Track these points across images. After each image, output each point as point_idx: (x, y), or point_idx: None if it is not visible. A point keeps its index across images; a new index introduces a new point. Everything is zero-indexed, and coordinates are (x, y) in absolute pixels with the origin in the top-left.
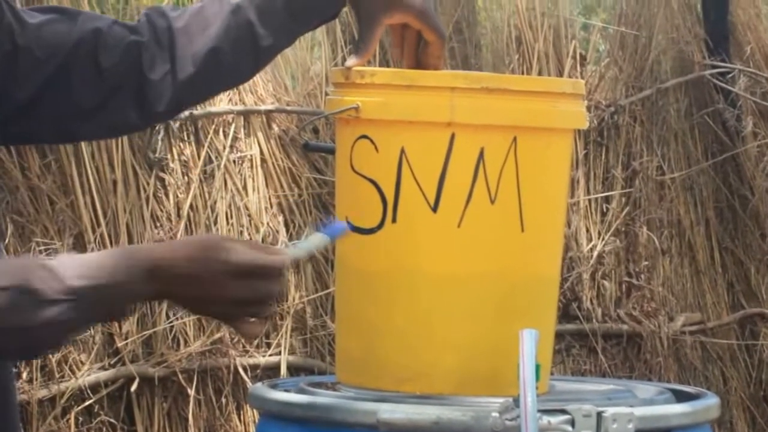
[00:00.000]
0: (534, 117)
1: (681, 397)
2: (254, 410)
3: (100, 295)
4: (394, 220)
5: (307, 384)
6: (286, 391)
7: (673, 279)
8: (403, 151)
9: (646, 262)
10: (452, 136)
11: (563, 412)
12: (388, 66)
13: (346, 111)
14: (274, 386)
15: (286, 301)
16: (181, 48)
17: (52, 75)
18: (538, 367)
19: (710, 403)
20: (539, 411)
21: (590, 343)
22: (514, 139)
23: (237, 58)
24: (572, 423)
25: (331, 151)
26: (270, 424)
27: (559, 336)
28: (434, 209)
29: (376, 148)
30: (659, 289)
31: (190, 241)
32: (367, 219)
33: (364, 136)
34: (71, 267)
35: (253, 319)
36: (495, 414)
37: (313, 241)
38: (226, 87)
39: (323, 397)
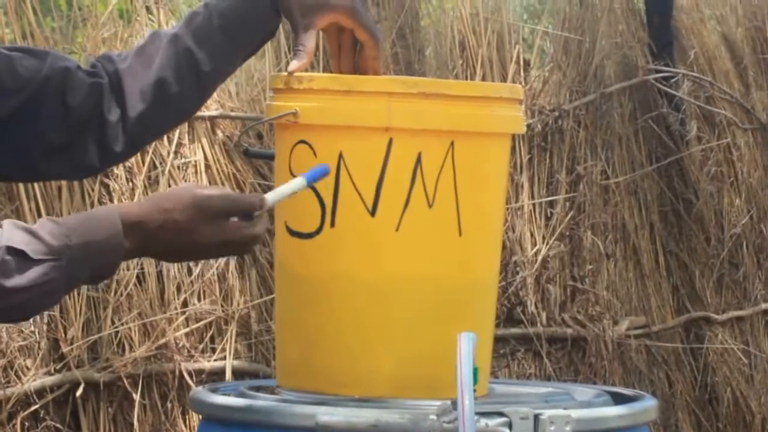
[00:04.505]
0: (471, 122)
1: (619, 399)
2: (198, 415)
3: (80, 253)
4: (332, 225)
5: (247, 388)
6: (227, 395)
7: (618, 283)
8: (341, 156)
9: (591, 266)
10: (390, 141)
11: (501, 414)
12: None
13: (284, 116)
14: (214, 390)
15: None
16: (128, 87)
17: (20, 107)
18: (476, 370)
19: (648, 405)
20: (477, 414)
21: (535, 347)
22: (452, 143)
23: (181, 86)
24: (509, 425)
25: (271, 157)
26: (210, 428)
27: (503, 340)
28: (372, 213)
29: (314, 152)
30: (604, 293)
31: (163, 193)
32: (305, 224)
33: (303, 141)
34: (50, 229)
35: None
36: (433, 417)
37: (291, 185)
38: (176, 119)
39: (263, 401)
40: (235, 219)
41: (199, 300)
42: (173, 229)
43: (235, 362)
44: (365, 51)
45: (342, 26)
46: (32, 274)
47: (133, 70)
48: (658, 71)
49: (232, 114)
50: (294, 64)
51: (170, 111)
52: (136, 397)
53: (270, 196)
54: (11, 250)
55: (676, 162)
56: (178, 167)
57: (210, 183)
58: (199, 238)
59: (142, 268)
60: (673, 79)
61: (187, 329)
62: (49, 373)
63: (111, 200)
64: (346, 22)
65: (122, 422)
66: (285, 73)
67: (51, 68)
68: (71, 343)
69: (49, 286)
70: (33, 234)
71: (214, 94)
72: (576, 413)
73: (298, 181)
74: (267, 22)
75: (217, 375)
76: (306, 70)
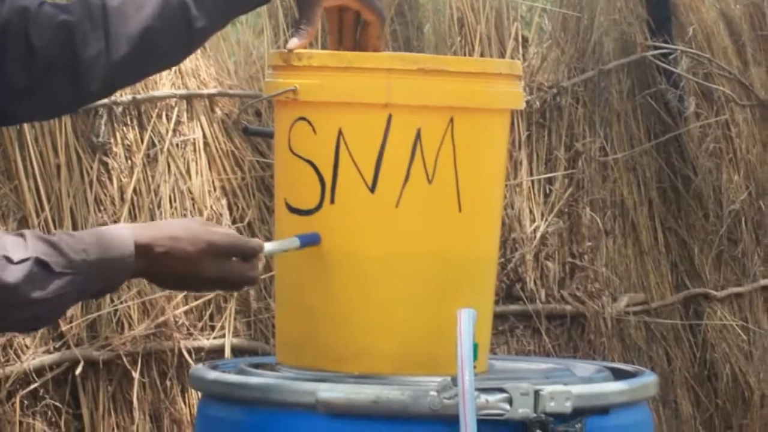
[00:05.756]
0: (470, 98)
1: (619, 375)
2: (197, 392)
3: (95, 269)
4: (332, 201)
5: (247, 365)
6: (226, 372)
7: (617, 259)
8: (340, 133)
9: (590, 243)
10: (389, 117)
11: (501, 390)
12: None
13: (283, 93)
14: (214, 367)
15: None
16: (115, 27)
17: None
18: (476, 347)
19: (648, 380)
20: (477, 389)
21: (534, 323)
22: (451, 119)
23: (170, 39)
24: (510, 401)
25: (270, 135)
26: (211, 405)
27: (502, 317)
28: (372, 190)
29: (313, 129)
30: (603, 270)
31: (173, 222)
32: (305, 200)
33: (302, 118)
34: (71, 243)
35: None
36: (433, 393)
37: (287, 242)
38: (159, 68)
39: (263, 378)
40: (235, 259)
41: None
42: (180, 258)
43: (235, 340)
44: (370, 30)
45: (347, 6)
46: (53, 287)
47: (123, 11)
48: (656, 48)
49: (231, 92)
50: (294, 42)
51: (153, 60)
52: (136, 375)
53: (268, 246)
54: (38, 262)
55: (674, 138)
56: (177, 145)
57: (209, 161)
58: (202, 272)
59: None
60: (672, 56)
61: (186, 307)
62: (48, 352)
63: (110, 179)
64: (354, 4)
65: (121, 400)
66: (284, 50)
67: (10, 10)
68: (70, 322)
69: (62, 300)
70: (55, 246)
71: (212, 71)
72: (576, 389)
73: (294, 240)
74: None
75: (216, 353)
76: (304, 49)
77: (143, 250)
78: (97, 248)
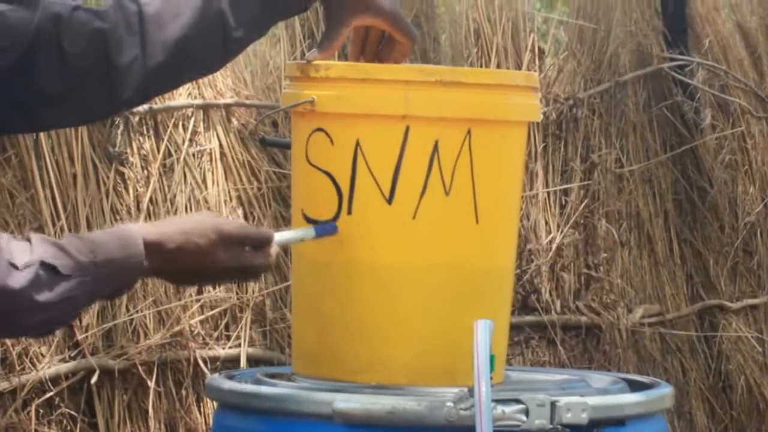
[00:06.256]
0: (488, 109)
1: (635, 386)
2: (213, 402)
3: (105, 271)
4: (349, 212)
5: (263, 375)
6: (243, 382)
7: (632, 271)
8: (358, 144)
9: (605, 254)
10: (407, 129)
11: (517, 401)
12: (346, 60)
13: (301, 104)
14: (230, 377)
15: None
16: (151, 35)
17: (16, 62)
18: (492, 358)
19: (664, 392)
20: (493, 401)
21: (549, 334)
22: (469, 131)
23: (207, 48)
24: (526, 412)
25: (287, 146)
26: (226, 415)
27: (518, 328)
28: (389, 201)
29: (331, 140)
30: (618, 281)
31: (183, 217)
32: (322, 211)
33: (320, 129)
34: (78, 245)
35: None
36: (449, 404)
37: (301, 231)
38: (194, 76)
39: (279, 388)
40: (248, 248)
41: (213, 287)
42: (192, 251)
43: (250, 350)
44: (399, 48)
45: (377, 25)
46: (60, 289)
47: (159, 17)
48: (672, 60)
49: (247, 102)
50: (314, 54)
51: (189, 68)
52: (151, 384)
53: (279, 235)
54: (44, 265)
55: (690, 150)
56: (194, 155)
57: (225, 171)
58: (216, 263)
59: None
60: (688, 68)
61: (202, 317)
62: (64, 360)
63: (126, 188)
64: (385, 27)
65: (137, 409)
66: (302, 61)
67: (42, 17)
68: (86, 331)
69: (73, 303)
70: (62, 249)
71: (229, 81)
72: (592, 400)
73: (309, 231)
74: (301, 1)
75: (231, 363)
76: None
77: (153, 247)
78: (105, 249)
